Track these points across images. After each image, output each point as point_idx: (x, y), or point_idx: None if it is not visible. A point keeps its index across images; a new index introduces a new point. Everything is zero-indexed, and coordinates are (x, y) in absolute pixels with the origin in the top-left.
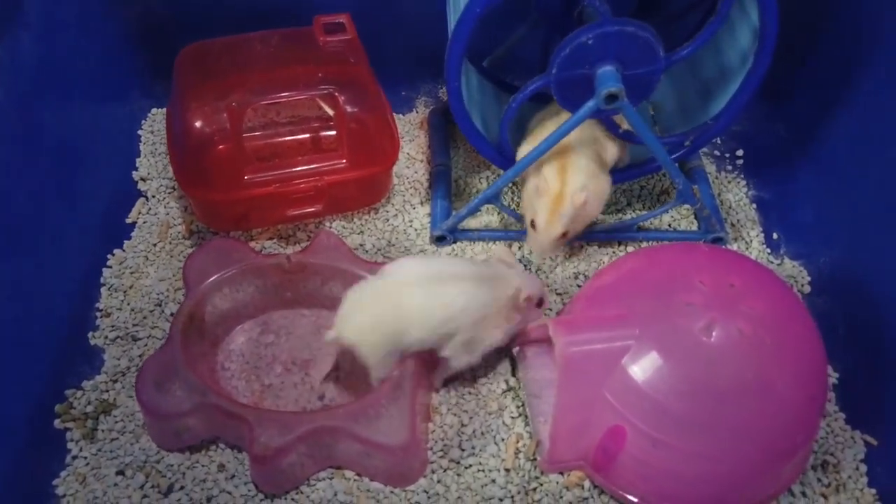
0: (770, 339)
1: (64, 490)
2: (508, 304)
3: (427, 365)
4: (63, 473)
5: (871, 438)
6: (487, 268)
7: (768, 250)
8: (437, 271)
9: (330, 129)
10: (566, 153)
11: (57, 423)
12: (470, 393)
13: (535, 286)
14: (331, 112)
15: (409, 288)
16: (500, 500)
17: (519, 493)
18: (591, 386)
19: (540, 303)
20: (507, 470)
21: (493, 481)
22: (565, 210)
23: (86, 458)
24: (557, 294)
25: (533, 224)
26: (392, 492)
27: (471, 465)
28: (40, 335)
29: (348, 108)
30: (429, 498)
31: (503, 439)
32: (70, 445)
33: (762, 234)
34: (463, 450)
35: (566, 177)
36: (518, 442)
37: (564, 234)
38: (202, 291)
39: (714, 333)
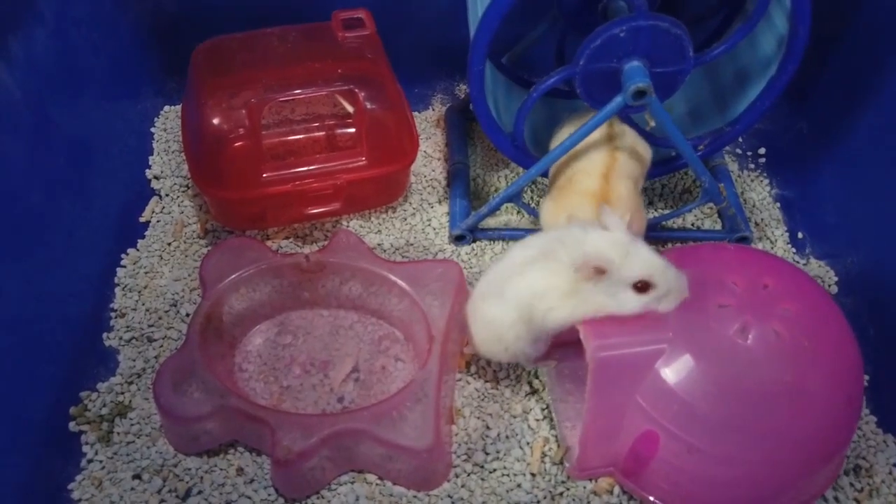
0: (807, 341)
1: (80, 494)
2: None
3: (450, 367)
4: (78, 477)
5: None
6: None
7: (794, 250)
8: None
9: (345, 126)
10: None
11: (72, 425)
12: (493, 395)
13: (618, 252)
14: (350, 109)
15: (484, 301)
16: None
17: (545, 497)
18: (624, 391)
19: (642, 286)
20: (533, 475)
21: (519, 486)
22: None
23: (101, 461)
24: None
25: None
26: (415, 496)
27: (495, 469)
28: (54, 336)
29: (368, 105)
30: (452, 502)
31: (528, 443)
32: (85, 448)
33: (787, 234)
34: (487, 453)
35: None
36: (544, 446)
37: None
38: (219, 291)
39: (750, 336)
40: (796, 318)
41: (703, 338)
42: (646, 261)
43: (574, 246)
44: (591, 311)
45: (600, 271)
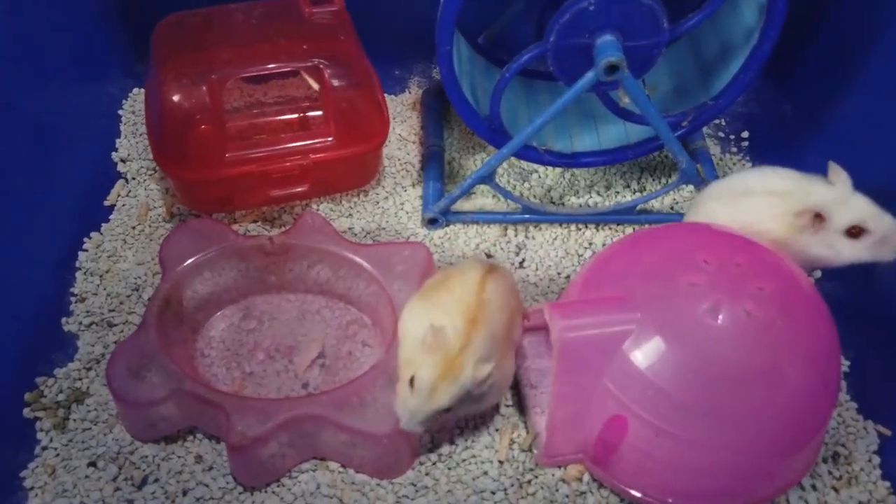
0: (781, 321)
1: (32, 482)
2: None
3: None
4: (31, 465)
5: (884, 429)
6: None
7: None
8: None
9: (319, 108)
10: (481, 307)
11: (26, 412)
12: None
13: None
14: (316, 87)
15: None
16: (493, 492)
17: (512, 485)
18: (590, 374)
19: (856, 231)
20: (501, 462)
21: (486, 473)
22: (461, 378)
23: (56, 448)
24: (551, 279)
25: (411, 381)
26: (378, 484)
27: (462, 457)
28: (10, 321)
29: (335, 83)
30: (416, 491)
31: (497, 430)
32: (40, 436)
33: None
34: (454, 441)
35: (472, 338)
36: (513, 433)
37: (447, 411)
38: (179, 274)
39: (720, 316)
40: (769, 298)
41: (672, 318)
42: (859, 206)
43: (800, 195)
44: (806, 261)
45: (820, 218)
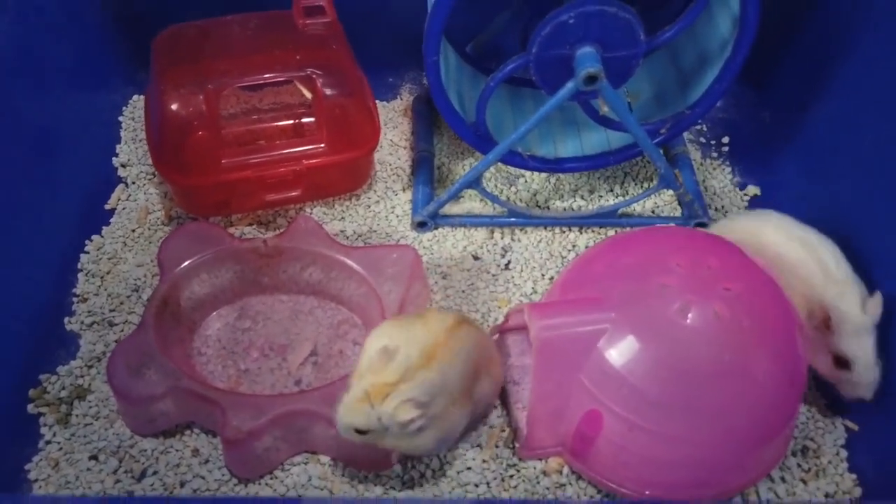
0: (748, 321)
1: (36, 475)
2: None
3: None
4: (35, 458)
5: (851, 424)
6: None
7: None
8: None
9: (312, 115)
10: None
11: (30, 407)
12: None
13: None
14: (309, 95)
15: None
16: (476, 485)
17: (495, 479)
18: (567, 370)
19: (841, 362)
20: (485, 460)
21: (469, 468)
22: (379, 409)
23: (59, 443)
24: (536, 281)
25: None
26: (366, 477)
27: (447, 451)
28: (15, 320)
29: (327, 92)
30: (403, 484)
31: (481, 425)
32: (43, 430)
33: None
34: None
35: (417, 375)
36: (496, 428)
37: (364, 433)
38: (177, 275)
39: (690, 315)
40: (736, 298)
41: (645, 317)
42: (862, 346)
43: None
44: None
45: (826, 325)
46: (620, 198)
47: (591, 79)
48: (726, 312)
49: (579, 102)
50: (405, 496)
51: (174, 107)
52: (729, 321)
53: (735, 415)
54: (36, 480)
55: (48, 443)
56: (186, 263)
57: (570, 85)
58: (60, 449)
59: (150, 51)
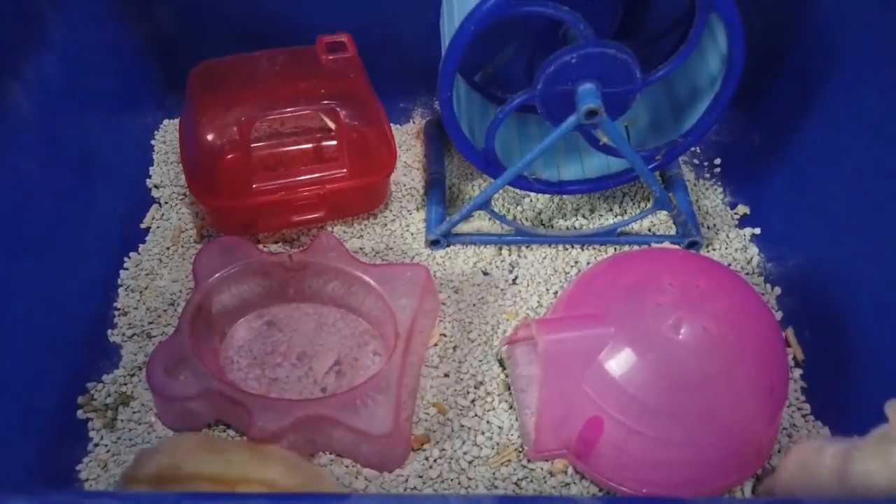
0: (733, 335)
1: (87, 474)
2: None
3: (414, 360)
4: (85, 459)
5: (829, 430)
6: None
7: (745, 252)
8: None
9: (331, 139)
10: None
11: (80, 413)
12: (462, 387)
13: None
14: (332, 125)
15: None
16: (487, 487)
17: (506, 479)
18: (571, 380)
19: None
20: (498, 461)
21: (482, 469)
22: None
23: (106, 445)
24: (541, 295)
25: None
26: (385, 475)
27: (464, 452)
28: (63, 333)
29: (348, 121)
30: (423, 482)
31: (492, 426)
32: (91, 434)
33: (739, 238)
34: (456, 438)
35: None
36: (507, 434)
37: None
38: (210, 285)
39: (682, 331)
40: (723, 315)
41: (641, 332)
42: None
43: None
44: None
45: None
46: (619, 217)
47: (592, 113)
48: (714, 328)
49: (580, 132)
50: (424, 495)
51: (209, 137)
52: (716, 336)
53: (721, 419)
54: (87, 480)
55: (96, 445)
56: (218, 275)
57: (572, 118)
58: (108, 451)
59: (186, 82)
